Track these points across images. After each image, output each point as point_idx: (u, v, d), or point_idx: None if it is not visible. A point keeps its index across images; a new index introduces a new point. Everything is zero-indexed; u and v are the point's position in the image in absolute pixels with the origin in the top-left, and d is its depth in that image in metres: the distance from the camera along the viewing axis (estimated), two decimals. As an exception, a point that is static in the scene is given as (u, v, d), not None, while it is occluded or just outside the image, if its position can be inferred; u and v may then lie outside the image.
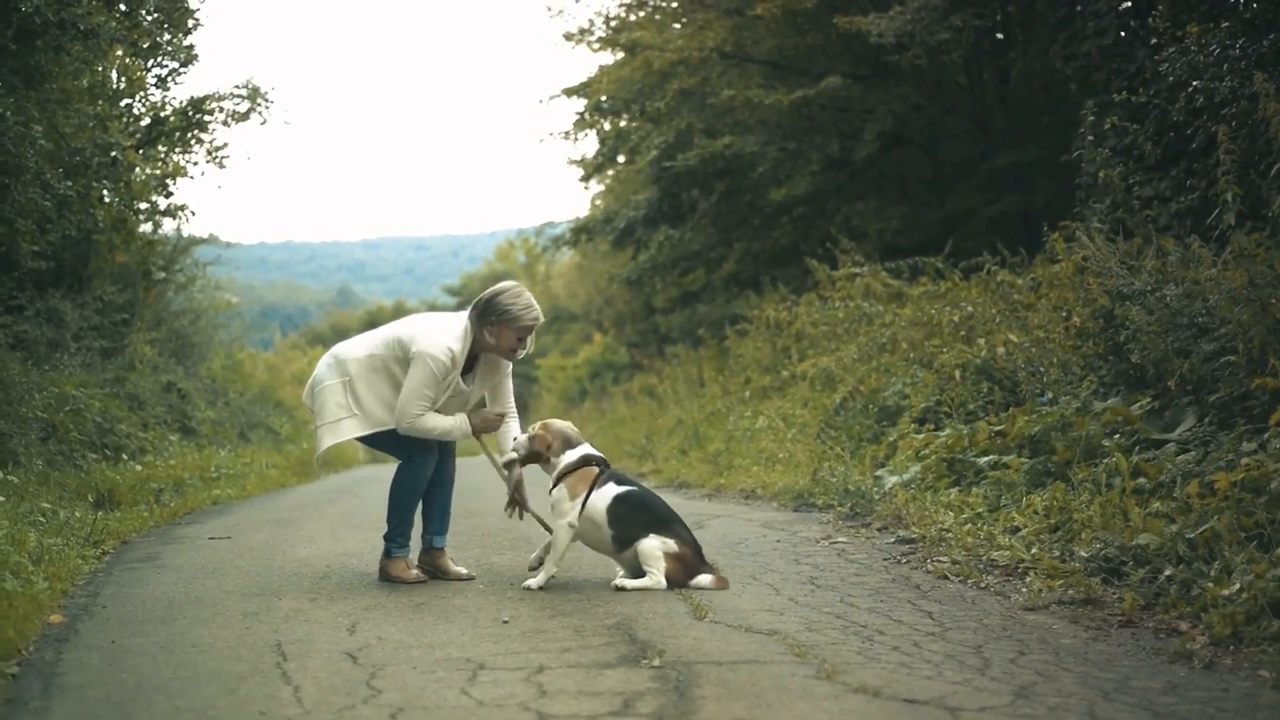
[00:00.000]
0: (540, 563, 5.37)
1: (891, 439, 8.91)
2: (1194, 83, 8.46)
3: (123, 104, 15.36)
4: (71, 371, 12.18)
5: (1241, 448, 5.29)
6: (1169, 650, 3.89)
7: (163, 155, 16.63)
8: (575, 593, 5.13)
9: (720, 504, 9.56)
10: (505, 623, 4.49)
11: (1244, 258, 6.12)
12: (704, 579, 5.15)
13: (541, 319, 5.50)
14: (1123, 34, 11.41)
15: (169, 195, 16.52)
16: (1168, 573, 4.50)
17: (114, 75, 14.72)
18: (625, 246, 21.38)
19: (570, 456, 5.30)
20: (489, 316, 5.38)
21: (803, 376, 12.61)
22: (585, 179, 24.49)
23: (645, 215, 19.73)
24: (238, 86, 16.99)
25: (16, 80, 10.05)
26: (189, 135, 16.70)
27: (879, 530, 6.99)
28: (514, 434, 5.59)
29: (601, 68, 21.28)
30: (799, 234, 17.99)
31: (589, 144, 23.33)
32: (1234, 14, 8.80)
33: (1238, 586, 4.06)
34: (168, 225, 17.89)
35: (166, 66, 15.88)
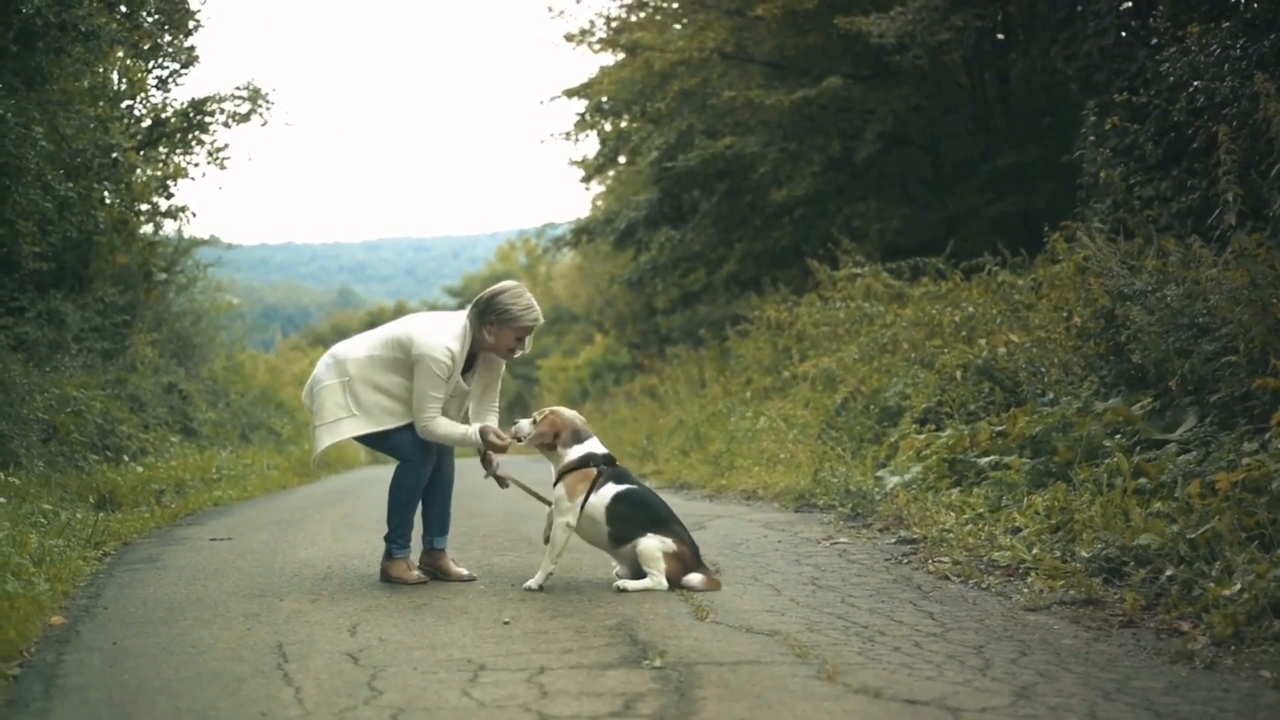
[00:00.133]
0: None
1: (893, 439, 8.91)
2: (1195, 83, 8.46)
3: (124, 105, 15.39)
4: (73, 373, 12.19)
5: (1242, 448, 5.28)
6: (1170, 650, 3.89)
7: (164, 156, 16.65)
8: (576, 594, 5.13)
9: (721, 505, 9.56)
10: (506, 624, 4.48)
11: (1245, 258, 6.12)
12: (694, 578, 5.13)
13: (541, 320, 5.50)
14: (1123, 34, 11.40)
15: (170, 196, 16.57)
16: (1169, 573, 4.50)
17: (115, 77, 14.75)
18: (626, 247, 21.39)
19: (576, 452, 5.28)
20: (489, 316, 5.38)
21: (804, 377, 12.60)
22: (586, 180, 24.52)
23: (646, 216, 19.74)
24: (238, 88, 17.03)
25: (17, 82, 10.06)
26: (190, 136, 16.73)
27: (880, 531, 6.99)
28: (488, 421, 5.59)
29: (602, 68, 21.32)
30: (800, 234, 17.99)
31: (590, 145, 23.41)
32: (1234, 14, 8.80)
33: (1239, 587, 4.06)
34: (169, 226, 17.96)
35: (167, 68, 15.91)
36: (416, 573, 5.56)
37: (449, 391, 5.42)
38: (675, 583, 5.13)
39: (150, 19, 14.49)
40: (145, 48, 14.77)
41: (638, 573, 5.17)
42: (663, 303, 23.68)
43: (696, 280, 20.86)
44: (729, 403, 14.61)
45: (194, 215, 18.72)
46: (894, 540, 6.56)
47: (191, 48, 15.82)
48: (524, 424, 5.41)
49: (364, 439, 5.54)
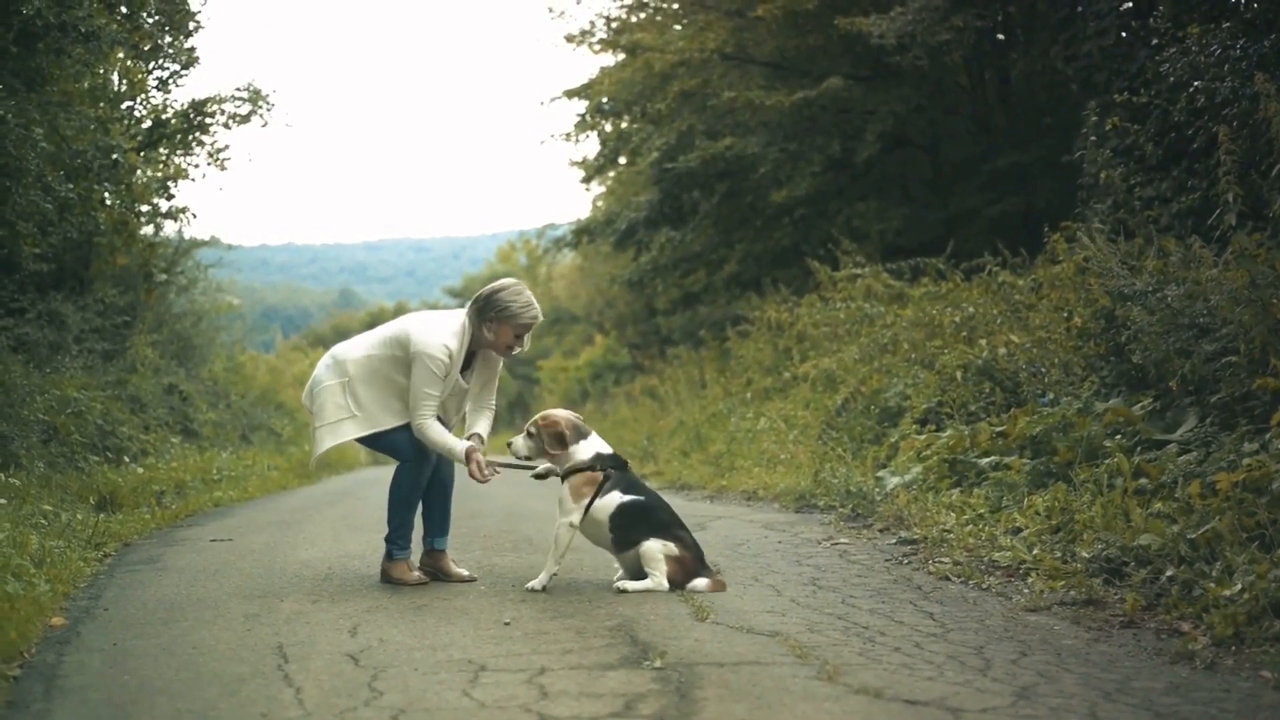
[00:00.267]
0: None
1: (893, 440, 8.91)
2: (1195, 83, 8.46)
3: (124, 106, 15.40)
4: (73, 374, 12.19)
5: (1243, 448, 5.28)
6: (1171, 651, 3.89)
7: (164, 157, 16.67)
8: (577, 594, 5.13)
9: (722, 505, 9.56)
10: (507, 624, 4.48)
11: (1245, 258, 6.12)
12: (700, 582, 5.14)
13: (540, 318, 5.49)
14: (1124, 34, 11.40)
15: (170, 197, 16.60)
16: (1169, 573, 4.49)
17: (115, 78, 14.76)
18: (626, 248, 21.40)
19: (584, 451, 5.24)
20: (488, 313, 5.38)
21: (804, 377, 12.61)
22: (586, 180, 24.53)
23: (646, 217, 19.75)
24: (239, 89, 17.07)
25: (18, 83, 10.07)
26: (190, 137, 16.75)
27: (880, 531, 6.99)
28: (481, 428, 5.57)
29: (603, 69, 21.33)
30: (800, 235, 18.00)
31: (590, 145, 23.42)
32: (1235, 14, 8.79)
33: (1239, 587, 4.06)
34: (169, 227, 17.99)
35: (168, 69, 15.93)
36: (417, 573, 5.56)
37: (447, 390, 5.42)
38: (679, 587, 5.13)
39: (150, 20, 14.50)
40: (145, 49, 14.78)
41: (640, 576, 5.17)
42: (663, 303, 23.68)
43: (697, 281, 20.87)
44: (729, 403, 14.61)
45: (194, 216, 18.76)
46: (894, 541, 6.56)
47: (192, 49, 15.85)
48: (519, 442, 5.33)
49: (364, 439, 5.54)
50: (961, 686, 3.48)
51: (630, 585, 5.11)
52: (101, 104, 13.13)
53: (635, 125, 20.47)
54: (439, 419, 5.60)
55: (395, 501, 5.54)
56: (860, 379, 10.68)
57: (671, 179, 18.33)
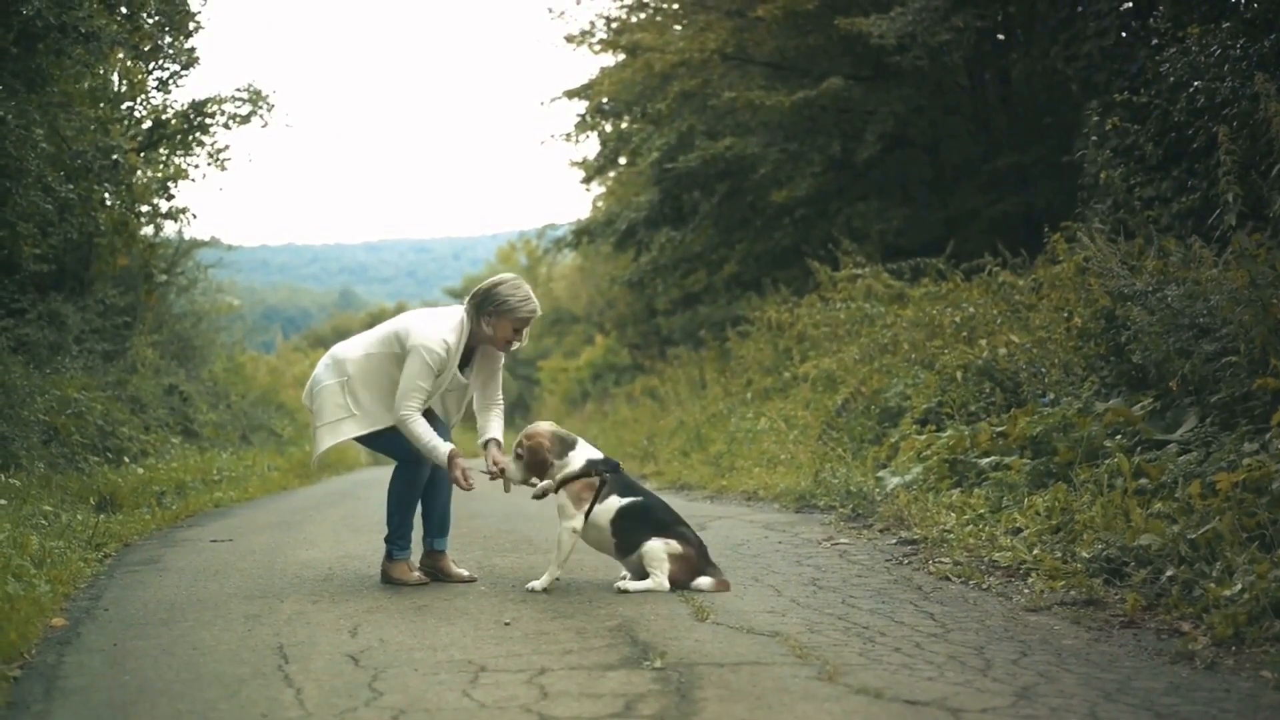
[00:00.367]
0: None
1: (893, 440, 8.91)
2: (1195, 83, 8.46)
3: (124, 107, 15.40)
4: (73, 374, 12.19)
5: (1243, 448, 5.28)
6: (1171, 651, 3.89)
7: (164, 158, 16.68)
8: (577, 595, 5.13)
9: (722, 505, 9.56)
10: (507, 625, 4.48)
11: (1245, 258, 6.12)
12: (704, 581, 5.14)
13: (539, 311, 5.49)
14: (1124, 34, 11.41)
15: (170, 198, 16.60)
16: (1169, 573, 4.50)
17: (115, 78, 14.76)
18: (627, 248, 21.40)
19: (576, 460, 5.25)
20: (487, 307, 5.39)
21: (804, 378, 12.61)
22: (586, 181, 24.52)
23: (647, 217, 19.75)
24: (239, 89, 17.08)
25: (18, 83, 10.07)
26: (190, 138, 16.76)
27: (881, 531, 6.99)
28: (494, 431, 5.55)
29: (603, 70, 21.33)
30: (800, 235, 18.00)
31: (590, 146, 23.42)
32: (1235, 14, 8.79)
33: (1239, 587, 4.06)
34: (169, 228, 17.99)
35: (168, 69, 15.94)
36: (417, 574, 5.56)
37: (443, 385, 5.41)
38: (683, 585, 5.14)
39: (150, 20, 14.50)
40: (146, 49, 14.78)
41: (644, 577, 5.16)
42: (663, 304, 23.68)
43: (697, 281, 20.87)
44: (730, 403, 14.61)
45: (194, 217, 18.78)
46: (895, 541, 6.56)
47: (192, 49, 15.85)
48: (511, 468, 5.29)
49: (364, 439, 5.54)
50: (962, 687, 3.48)
51: (631, 585, 5.11)
52: (102, 104, 13.13)
53: (635, 125, 20.47)
54: (439, 419, 5.61)
55: (394, 502, 5.55)
56: (860, 379, 10.68)
57: (671, 179, 18.33)
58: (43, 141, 10.13)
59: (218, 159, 16.89)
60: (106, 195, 12.85)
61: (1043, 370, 7.98)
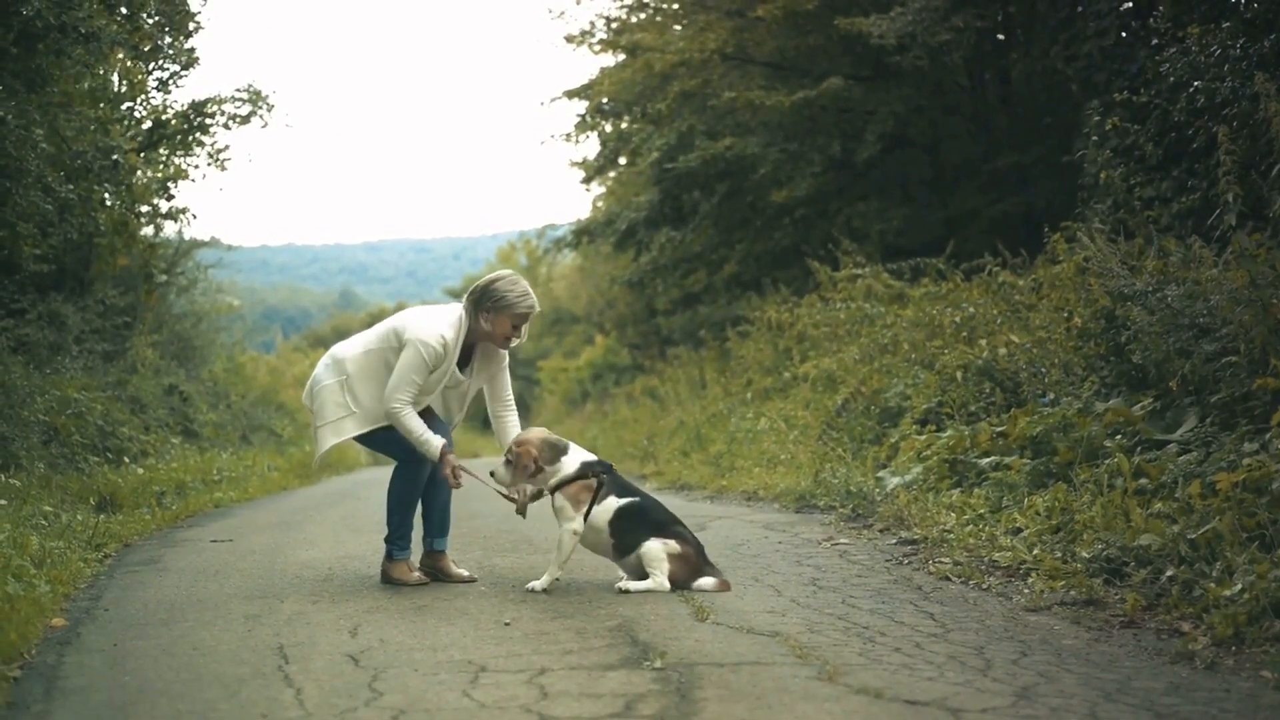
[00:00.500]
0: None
1: (893, 440, 8.91)
2: (1195, 83, 8.46)
3: (124, 107, 15.40)
4: (73, 375, 12.19)
5: (1243, 448, 5.28)
6: (1171, 651, 3.89)
7: (164, 158, 16.68)
8: (577, 595, 5.13)
9: (722, 506, 9.56)
10: (507, 625, 4.49)
11: (1245, 258, 6.12)
12: (706, 581, 5.15)
13: (537, 307, 5.50)
14: (1124, 34, 11.41)
15: (170, 198, 16.60)
16: (1169, 573, 4.50)
17: (115, 78, 14.76)
18: (627, 248, 21.40)
19: (568, 466, 5.24)
20: (485, 303, 5.39)
21: (804, 378, 12.61)
22: (587, 181, 24.52)
23: (647, 217, 19.75)
24: (239, 89, 17.08)
25: (18, 84, 10.07)
26: (190, 138, 16.76)
27: (881, 531, 6.99)
28: (513, 432, 5.56)
29: (603, 70, 21.33)
30: (800, 235, 17.99)
31: (590, 146, 23.41)
32: (1235, 14, 8.79)
33: (1239, 587, 4.06)
34: (169, 228, 17.99)
35: (168, 69, 15.94)
36: (417, 574, 5.56)
37: (438, 382, 5.41)
38: (684, 585, 5.14)
39: (150, 21, 14.50)
40: (145, 49, 14.78)
41: (644, 578, 5.17)
42: (663, 304, 23.68)
43: (697, 281, 20.87)
44: (730, 404, 14.61)
45: (194, 217, 18.79)
46: (895, 541, 6.56)
47: (192, 49, 15.86)
48: (500, 471, 5.29)
49: (364, 438, 5.54)
50: (962, 687, 3.48)
51: (632, 585, 5.11)
52: (102, 105, 13.13)
53: (635, 125, 20.47)
54: (440, 419, 5.61)
55: (394, 502, 5.55)
56: (860, 379, 10.68)
57: (671, 179, 18.33)
58: (43, 142, 10.13)
59: (218, 159, 16.90)
60: (106, 195, 12.85)
61: (1043, 370, 7.98)
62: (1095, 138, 9.71)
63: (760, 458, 11.16)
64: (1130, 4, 11.45)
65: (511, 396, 5.72)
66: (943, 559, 5.78)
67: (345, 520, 8.88)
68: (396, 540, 5.56)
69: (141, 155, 14.94)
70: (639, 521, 5.19)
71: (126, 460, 11.28)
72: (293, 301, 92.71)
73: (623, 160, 22.41)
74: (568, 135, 22.37)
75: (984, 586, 5.15)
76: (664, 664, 3.77)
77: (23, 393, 10.00)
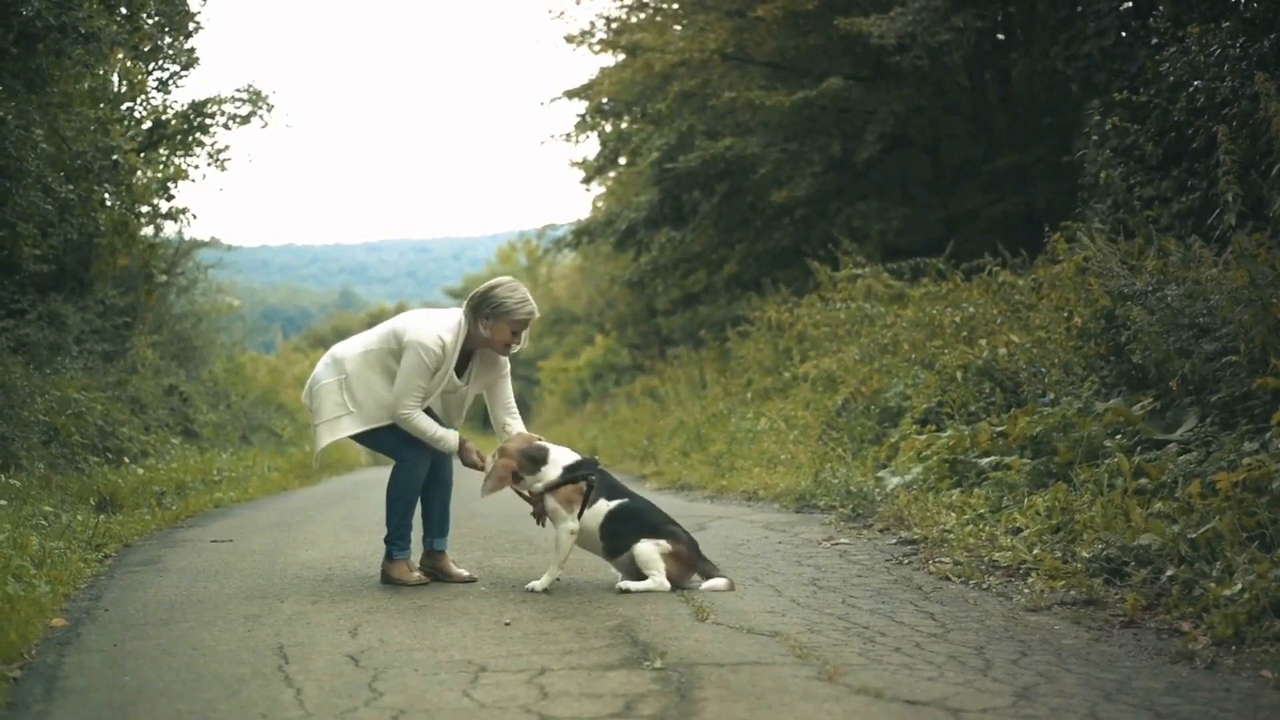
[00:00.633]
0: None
1: (893, 440, 8.91)
2: (1195, 83, 8.46)
3: (124, 107, 15.40)
4: (73, 375, 12.19)
5: (1243, 448, 5.28)
6: (1171, 651, 3.89)
7: (164, 158, 16.68)
8: (577, 595, 5.13)
9: (722, 505, 9.56)
10: (507, 625, 4.49)
11: (1245, 258, 6.12)
12: (719, 582, 5.15)
13: (537, 314, 5.50)
14: (1124, 34, 11.41)
15: (170, 198, 16.61)
16: (1170, 573, 4.49)
17: (115, 79, 14.76)
18: (627, 248, 21.40)
19: (550, 474, 5.23)
20: (484, 309, 5.40)
21: (804, 378, 12.61)
22: (586, 181, 24.52)
23: (647, 217, 19.75)
24: (239, 90, 17.08)
25: (18, 84, 10.07)
26: (190, 138, 16.77)
27: (881, 531, 6.99)
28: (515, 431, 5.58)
29: (603, 70, 21.33)
30: (800, 235, 18.00)
31: (590, 146, 23.41)
32: (1234, 14, 8.79)
33: (1240, 587, 4.05)
34: (169, 228, 18.00)
35: (168, 70, 15.95)
36: (417, 574, 5.56)
37: (438, 386, 5.41)
38: (680, 582, 5.15)
39: (150, 21, 14.50)
40: (145, 50, 14.78)
41: (637, 577, 5.17)
42: (663, 304, 23.68)
43: (697, 281, 20.87)
44: (730, 403, 14.61)
45: (194, 217, 18.80)
46: (895, 541, 6.56)
47: (192, 49, 15.86)
48: (488, 460, 5.33)
49: (362, 438, 5.55)
50: (962, 687, 3.48)
51: (633, 586, 5.11)
52: (101, 105, 13.12)
53: (635, 125, 20.47)
54: (440, 422, 5.61)
55: (393, 501, 5.55)
56: (860, 379, 10.68)
57: (671, 179, 18.33)
58: (43, 142, 10.12)
59: (218, 159, 16.90)
60: (106, 196, 12.85)
61: (1043, 370, 7.98)
62: (1095, 137, 9.71)
63: (760, 458, 11.16)
64: (1130, 4, 11.45)
65: (514, 403, 5.72)
66: (943, 559, 5.78)
67: (345, 520, 8.88)
68: (396, 540, 5.56)
69: (141, 155, 14.94)
70: (629, 524, 5.19)
71: (126, 460, 11.28)
72: (293, 302, 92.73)
73: (623, 160, 22.41)
74: (568, 135, 22.38)
75: (984, 586, 5.15)
76: (664, 664, 3.77)
77: (23, 393, 10.00)
